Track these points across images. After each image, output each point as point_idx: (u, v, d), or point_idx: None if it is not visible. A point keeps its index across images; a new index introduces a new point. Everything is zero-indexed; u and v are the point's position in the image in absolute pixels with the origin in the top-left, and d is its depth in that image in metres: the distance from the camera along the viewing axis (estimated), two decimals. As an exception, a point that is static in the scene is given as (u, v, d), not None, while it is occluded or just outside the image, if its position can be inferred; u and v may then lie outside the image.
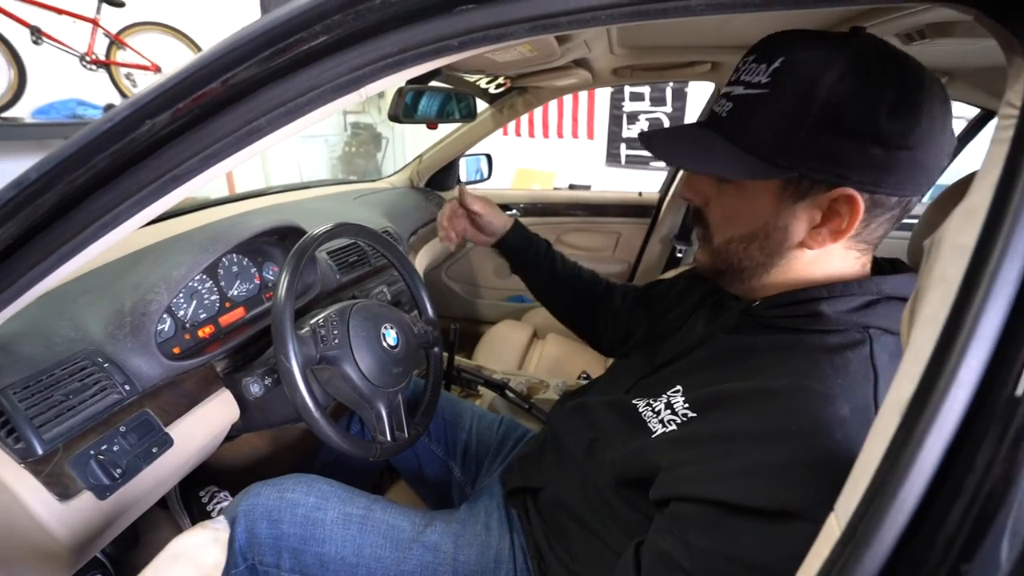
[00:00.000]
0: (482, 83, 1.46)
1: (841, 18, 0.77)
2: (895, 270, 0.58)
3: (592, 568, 0.62)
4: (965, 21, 0.62)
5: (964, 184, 0.57)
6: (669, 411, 0.57)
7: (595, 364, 1.50)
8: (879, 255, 0.60)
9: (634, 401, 0.62)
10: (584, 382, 1.31)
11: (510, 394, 1.23)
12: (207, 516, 1.16)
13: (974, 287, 0.29)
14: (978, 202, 0.32)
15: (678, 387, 0.58)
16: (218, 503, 1.19)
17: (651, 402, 0.60)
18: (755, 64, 0.50)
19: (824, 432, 0.45)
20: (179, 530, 1.13)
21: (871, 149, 0.46)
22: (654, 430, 0.57)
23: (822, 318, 0.52)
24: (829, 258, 0.54)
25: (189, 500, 1.16)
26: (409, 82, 1.23)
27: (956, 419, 0.28)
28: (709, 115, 0.56)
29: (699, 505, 0.48)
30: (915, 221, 0.83)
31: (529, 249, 0.98)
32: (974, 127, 1.48)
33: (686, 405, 0.55)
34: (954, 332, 0.30)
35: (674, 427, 0.55)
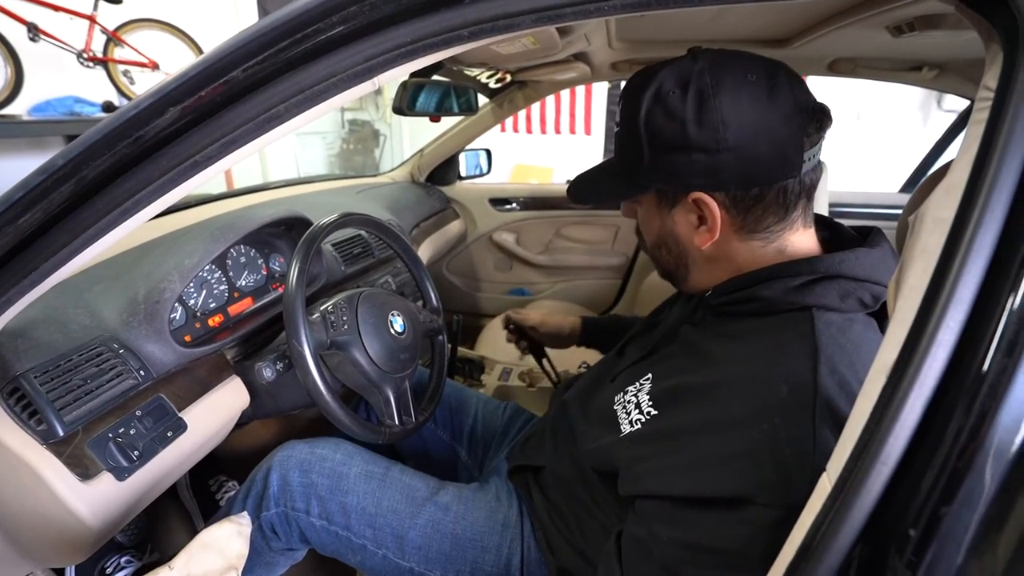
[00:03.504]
0: (482, 78, 1.48)
1: (833, 11, 0.79)
2: (864, 240, 0.61)
3: (588, 540, 0.66)
4: (952, 13, 0.64)
5: (945, 170, 0.59)
6: (637, 410, 0.60)
7: (594, 354, 1.52)
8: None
9: (614, 397, 0.65)
10: (584, 371, 1.34)
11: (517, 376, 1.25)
12: (216, 504, 1.18)
13: (952, 257, 0.32)
14: (957, 179, 0.34)
15: (649, 375, 0.62)
16: (226, 492, 1.21)
17: (624, 396, 0.63)
18: (618, 107, 0.61)
19: (762, 417, 0.47)
20: (188, 518, 1.15)
21: (696, 157, 0.54)
22: (623, 430, 0.60)
23: (763, 301, 0.55)
24: (733, 253, 0.59)
25: (198, 489, 1.18)
26: (412, 76, 1.25)
27: (936, 377, 0.31)
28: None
29: (658, 501, 0.52)
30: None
31: (609, 326, 1.10)
32: (964, 119, 1.50)
33: (650, 402, 0.59)
34: (934, 298, 0.32)
35: (639, 426, 0.58)
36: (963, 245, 0.31)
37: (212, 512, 1.14)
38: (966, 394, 0.30)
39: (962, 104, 1.54)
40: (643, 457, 0.55)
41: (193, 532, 1.04)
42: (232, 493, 1.18)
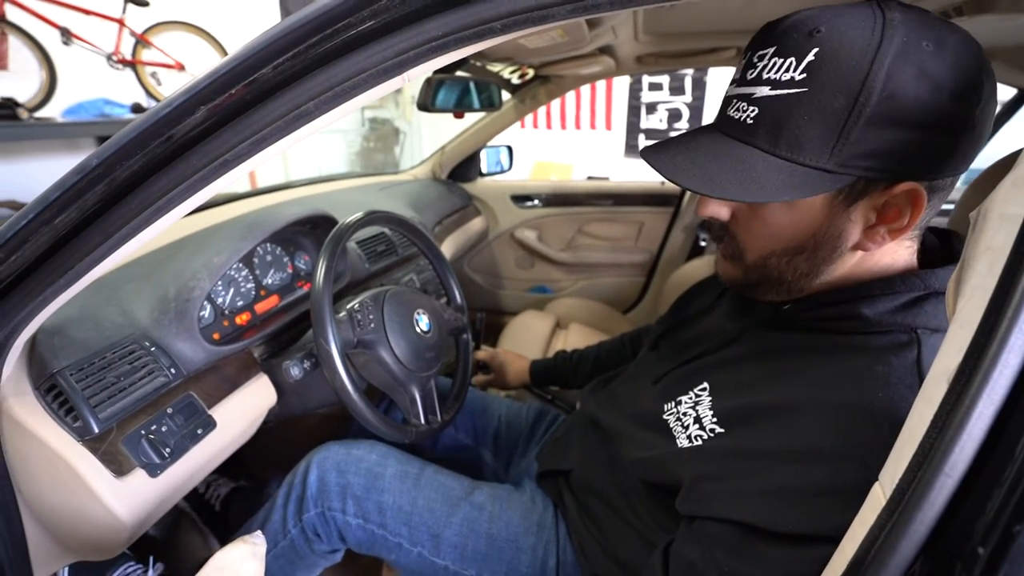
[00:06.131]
0: (505, 73, 1.47)
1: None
2: (947, 246, 0.55)
3: (622, 547, 0.63)
4: (1007, -5, 0.61)
5: (1008, 162, 0.56)
6: (697, 425, 0.54)
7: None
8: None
9: (664, 405, 0.61)
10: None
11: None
12: (207, 504, 1.17)
13: (1024, 255, 0.30)
14: (1028, 171, 0.32)
15: (705, 385, 0.57)
16: (216, 490, 1.19)
17: (678, 407, 0.59)
18: (778, 59, 0.44)
19: (855, 454, 0.42)
20: (192, 523, 1.14)
21: (934, 136, 0.42)
22: (680, 443, 0.56)
23: (863, 320, 0.48)
24: (882, 253, 0.50)
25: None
26: (436, 72, 1.24)
27: (1008, 383, 0.29)
28: (727, 122, 0.49)
29: (724, 525, 0.47)
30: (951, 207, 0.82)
31: (555, 368, 1.08)
32: (1011, 108, 1.44)
33: (714, 419, 0.53)
34: (1004, 299, 0.30)
35: (700, 442, 0.53)
36: (1038, 242, 0.29)
37: (209, 513, 1.14)
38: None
39: (1005, 92, 1.48)
40: (708, 476, 0.50)
41: (192, 532, 1.05)
42: (224, 490, 1.18)
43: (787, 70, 0.44)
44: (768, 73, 0.45)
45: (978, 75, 0.42)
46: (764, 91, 0.45)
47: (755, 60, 0.46)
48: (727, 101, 0.50)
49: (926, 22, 0.42)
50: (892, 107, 0.41)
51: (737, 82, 0.49)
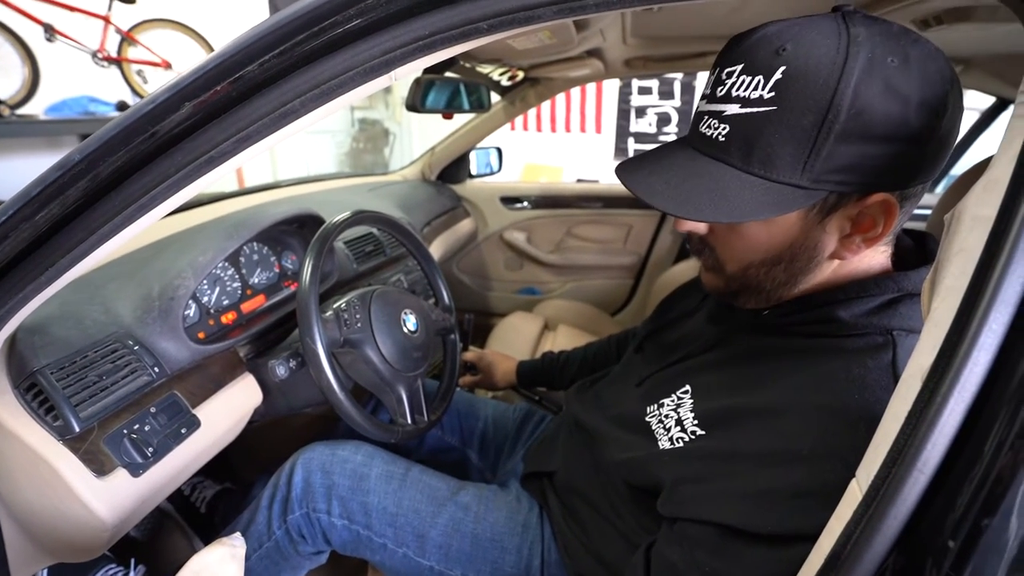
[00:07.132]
0: (494, 75, 1.48)
1: (861, 3, 0.77)
2: (922, 247, 0.56)
3: (606, 548, 0.64)
4: (984, 5, 0.63)
5: (981, 167, 0.57)
6: (679, 428, 0.55)
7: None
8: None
9: (646, 408, 0.62)
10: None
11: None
12: (192, 507, 1.16)
13: (995, 255, 0.30)
14: (999, 175, 0.33)
15: (687, 387, 0.58)
16: (201, 492, 1.17)
17: (660, 410, 0.59)
18: (746, 76, 0.45)
19: (833, 455, 0.42)
20: (177, 525, 1.12)
21: (904, 148, 0.43)
22: (661, 445, 0.56)
23: (839, 323, 0.49)
24: (858, 260, 0.51)
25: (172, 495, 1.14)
26: (425, 72, 1.24)
27: (978, 381, 0.29)
28: (699, 139, 0.50)
29: (705, 527, 0.48)
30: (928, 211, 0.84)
31: (542, 369, 1.08)
32: (989, 117, 1.47)
33: (695, 421, 0.54)
34: (975, 299, 0.31)
35: (681, 444, 0.54)
36: (1007, 243, 0.30)
37: (195, 516, 1.13)
38: (1011, 399, 0.28)
39: (982, 101, 1.51)
40: (689, 478, 0.51)
41: (177, 534, 1.04)
42: (209, 492, 1.16)
43: (755, 88, 0.44)
44: (737, 91, 0.46)
45: (943, 86, 0.42)
46: (734, 109, 0.46)
47: (724, 77, 0.47)
48: (698, 117, 0.50)
49: (890, 36, 0.42)
50: (861, 123, 0.42)
51: (708, 98, 0.49)
